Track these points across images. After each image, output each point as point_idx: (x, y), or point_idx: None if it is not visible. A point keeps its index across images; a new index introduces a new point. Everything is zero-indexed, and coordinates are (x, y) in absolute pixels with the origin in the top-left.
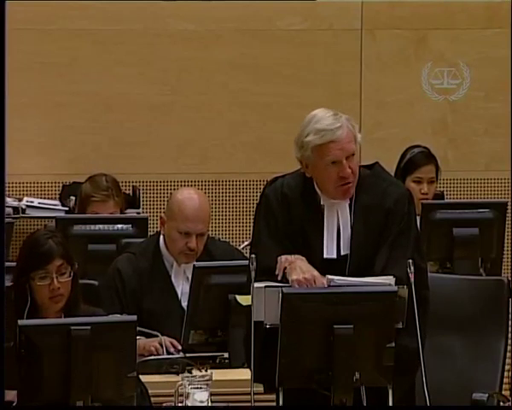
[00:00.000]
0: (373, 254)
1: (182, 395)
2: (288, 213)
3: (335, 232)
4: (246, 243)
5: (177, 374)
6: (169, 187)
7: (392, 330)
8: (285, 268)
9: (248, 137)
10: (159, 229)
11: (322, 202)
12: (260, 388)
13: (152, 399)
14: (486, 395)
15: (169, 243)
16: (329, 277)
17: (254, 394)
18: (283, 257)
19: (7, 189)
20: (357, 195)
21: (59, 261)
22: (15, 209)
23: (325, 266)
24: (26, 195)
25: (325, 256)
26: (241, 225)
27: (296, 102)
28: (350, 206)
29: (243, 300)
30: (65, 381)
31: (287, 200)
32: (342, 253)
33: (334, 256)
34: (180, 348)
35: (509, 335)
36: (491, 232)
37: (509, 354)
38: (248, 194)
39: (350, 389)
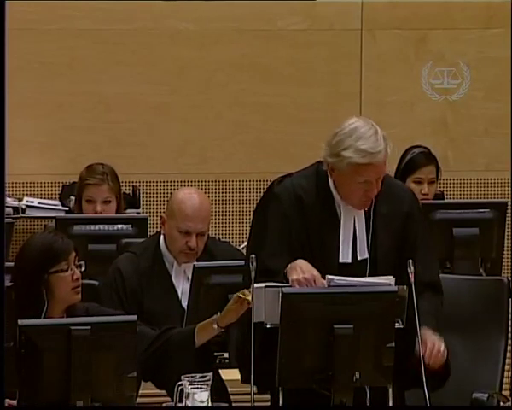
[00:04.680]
0: (394, 259)
1: (182, 395)
2: (302, 217)
3: (351, 237)
4: (246, 243)
5: None
6: (169, 187)
7: (392, 330)
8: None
9: (248, 137)
10: (159, 229)
11: (337, 206)
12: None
13: (152, 399)
14: (486, 395)
15: (169, 242)
16: (329, 277)
17: (254, 394)
18: None
19: (7, 189)
20: (374, 203)
21: (74, 253)
22: (15, 209)
23: (341, 271)
24: (26, 195)
25: (340, 261)
26: (240, 225)
27: (296, 102)
28: (367, 211)
29: None
30: (65, 381)
31: (301, 203)
32: (359, 257)
33: (349, 261)
34: None
35: (509, 335)
36: (491, 232)
37: (509, 354)
38: (248, 194)
39: (350, 389)
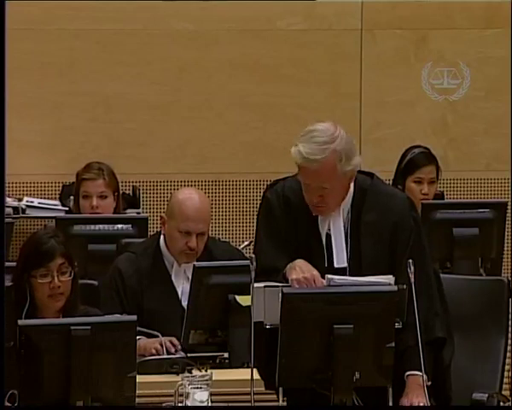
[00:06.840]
0: (380, 268)
1: (182, 395)
2: (289, 216)
3: (324, 241)
4: (246, 243)
5: (177, 374)
6: (169, 187)
7: (392, 330)
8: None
9: (248, 137)
10: (159, 229)
11: None
12: (260, 388)
13: (152, 399)
14: (486, 395)
15: (169, 242)
16: (329, 276)
17: (254, 394)
18: None
19: (7, 189)
20: (359, 212)
21: (60, 260)
22: (15, 209)
23: (327, 272)
24: (26, 195)
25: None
26: (240, 225)
27: (296, 102)
28: (351, 220)
29: (243, 300)
30: (65, 381)
31: (289, 203)
32: (336, 265)
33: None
34: (179, 346)
35: (509, 335)
36: (491, 232)
37: (509, 354)
38: (248, 194)
39: (350, 389)
